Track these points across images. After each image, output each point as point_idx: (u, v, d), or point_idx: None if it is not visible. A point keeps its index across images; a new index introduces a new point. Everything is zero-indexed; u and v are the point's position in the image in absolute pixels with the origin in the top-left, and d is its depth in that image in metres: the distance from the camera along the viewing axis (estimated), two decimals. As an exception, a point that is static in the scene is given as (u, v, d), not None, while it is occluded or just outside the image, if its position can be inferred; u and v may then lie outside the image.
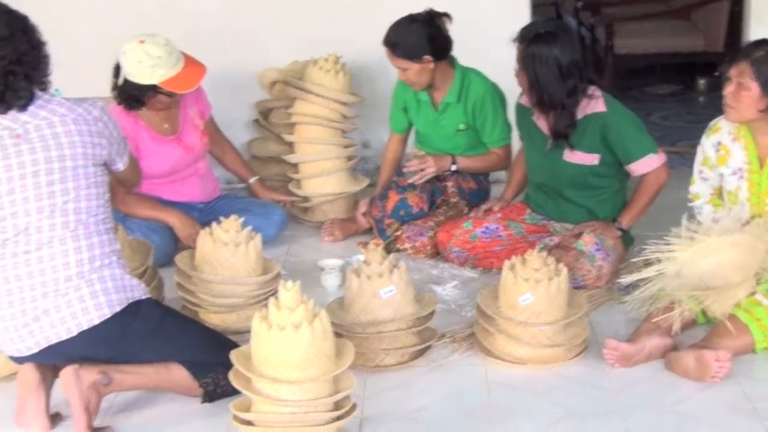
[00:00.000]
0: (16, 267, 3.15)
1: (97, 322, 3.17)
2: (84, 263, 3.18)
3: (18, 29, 3.15)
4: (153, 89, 4.41)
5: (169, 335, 3.31)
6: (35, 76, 3.19)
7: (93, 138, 3.24)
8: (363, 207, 4.93)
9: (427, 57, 4.54)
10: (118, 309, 3.20)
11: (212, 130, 4.92)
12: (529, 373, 3.56)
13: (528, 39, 4.09)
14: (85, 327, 3.17)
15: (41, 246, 3.15)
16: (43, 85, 3.24)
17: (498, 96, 4.75)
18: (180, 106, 4.68)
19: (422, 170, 4.73)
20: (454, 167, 4.79)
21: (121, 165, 3.47)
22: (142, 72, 4.35)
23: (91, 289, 3.17)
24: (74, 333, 3.17)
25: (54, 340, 3.17)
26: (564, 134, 4.16)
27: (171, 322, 3.35)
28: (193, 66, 4.47)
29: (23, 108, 3.17)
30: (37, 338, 3.16)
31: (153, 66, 4.33)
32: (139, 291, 3.30)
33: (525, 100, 4.34)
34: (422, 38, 4.52)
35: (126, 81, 4.40)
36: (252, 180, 5.05)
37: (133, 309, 3.25)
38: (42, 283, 3.15)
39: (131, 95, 4.45)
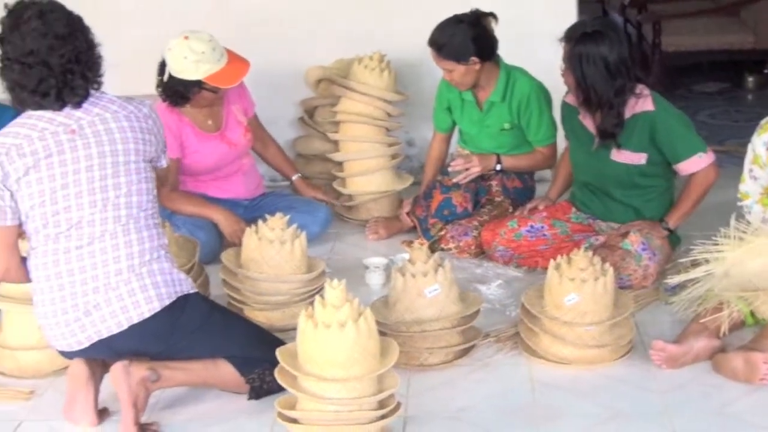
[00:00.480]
0: (68, 262, 3.18)
1: (147, 315, 3.20)
2: (134, 257, 3.22)
3: (77, 29, 3.19)
4: (198, 85, 4.44)
5: (217, 330, 3.33)
6: (91, 75, 3.23)
7: (144, 134, 3.29)
8: (406, 206, 4.92)
9: (474, 58, 4.52)
10: (167, 302, 3.23)
11: (256, 127, 4.94)
12: (574, 374, 3.55)
13: (575, 38, 4.07)
14: (135, 320, 3.19)
15: (93, 240, 3.18)
16: (97, 84, 3.27)
17: (543, 94, 4.72)
18: (224, 102, 4.71)
19: (467, 170, 4.72)
20: (498, 167, 4.77)
21: (164, 162, 3.50)
22: (186, 67, 4.38)
23: (141, 282, 3.20)
24: (125, 326, 3.19)
25: (105, 334, 3.20)
26: (611, 134, 4.13)
27: (218, 317, 3.37)
28: (236, 61, 4.49)
29: (77, 105, 3.21)
30: (89, 332, 3.19)
31: (197, 61, 4.36)
32: (187, 285, 3.32)
33: (571, 99, 4.31)
34: (468, 40, 4.50)
35: (171, 77, 4.43)
36: (295, 177, 5.05)
37: (182, 303, 3.27)
38: (93, 277, 3.18)
39: (176, 91, 4.47)
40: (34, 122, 3.19)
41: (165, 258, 3.31)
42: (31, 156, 3.14)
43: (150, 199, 3.31)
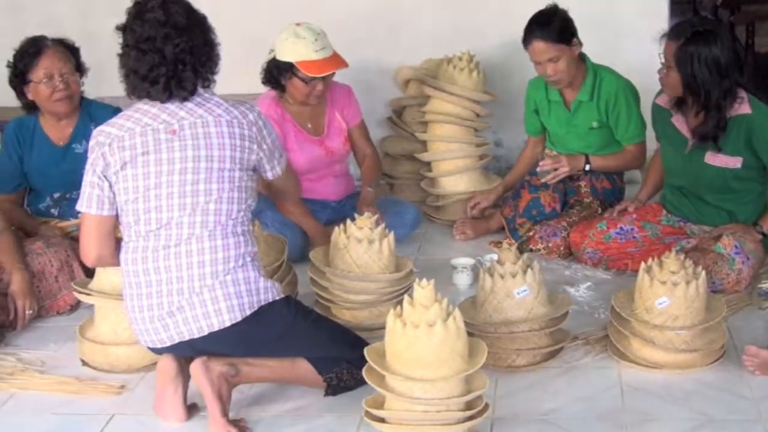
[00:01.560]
0: (156, 260, 3.21)
1: (227, 324, 3.20)
2: (218, 263, 3.20)
3: (195, 24, 3.23)
4: (290, 69, 4.49)
5: (299, 335, 3.32)
6: (202, 71, 3.25)
7: (244, 141, 3.26)
8: (479, 198, 4.91)
9: (576, 40, 4.53)
10: (248, 313, 3.21)
11: (358, 137, 4.92)
12: (664, 378, 3.49)
13: (685, 37, 3.98)
14: (215, 328, 3.20)
15: (180, 242, 3.20)
16: (207, 82, 3.29)
17: (631, 92, 4.68)
18: (327, 107, 4.74)
19: (555, 170, 4.68)
20: (587, 167, 4.73)
21: (270, 174, 3.43)
22: (284, 48, 4.47)
23: (224, 290, 3.19)
24: (205, 332, 3.21)
25: (186, 337, 3.23)
26: (713, 136, 4.05)
27: (301, 324, 3.33)
28: (336, 58, 4.53)
29: (183, 100, 3.24)
30: (171, 332, 3.22)
31: (295, 44, 4.44)
32: (272, 293, 3.29)
33: (662, 101, 4.25)
34: (566, 22, 4.53)
35: (271, 59, 4.53)
36: (366, 189, 4.94)
37: (265, 311, 3.25)
38: (178, 278, 3.20)
39: (271, 72, 4.57)
40: (140, 116, 3.24)
41: (251, 266, 3.27)
42: (130, 150, 3.20)
43: (242, 208, 3.27)
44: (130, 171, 3.20)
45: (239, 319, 3.20)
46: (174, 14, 3.18)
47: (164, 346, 3.27)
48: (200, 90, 3.27)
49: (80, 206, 3.29)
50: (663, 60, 4.07)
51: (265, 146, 3.34)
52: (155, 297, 3.21)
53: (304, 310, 3.43)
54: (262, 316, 3.24)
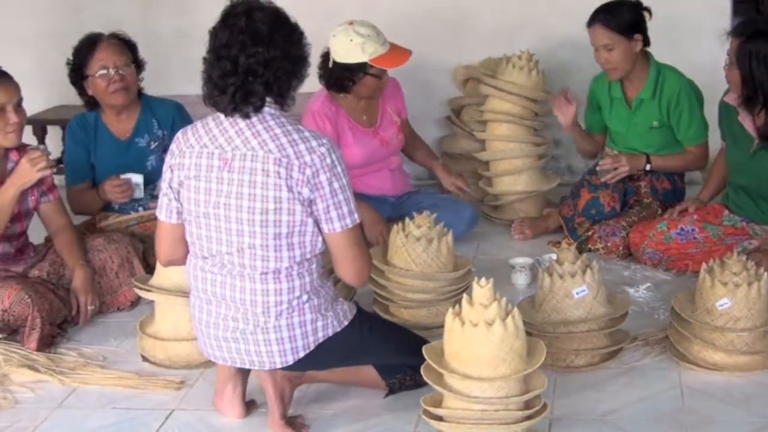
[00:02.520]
0: (213, 284, 3.14)
1: (279, 366, 3.16)
2: (270, 306, 3.07)
3: (279, 34, 3.00)
4: (362, 69, 4.50)
5: (365, 353, 3.30)
6: (275, 87, 3.01)
7: (291, 184, 2.97)
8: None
9: (637, 36, 4.50)
10: (302, 355, 3.14)
11: (406, 129, 4.97)
12: (725, 380, 3.46)
13: (747, 35, 3.95)
14: (267, 368, 3.17)
15: (234, 276, 3.09)
16: (282, 101, 3.06)
17: (694, 92, 4.64)
18: (380, 100, 4.76)
19: (615, 169, 4.65)
20: (648, 167, 4.69)
21: (325, 226, 3.06)
22: (352, 50, 4.46)
23: (277, 335, 3.09)
24: (256, 367, 3.19)
25: (239, 365, 3.22)
26: None
27: (367, 341, 3.27)
28: (398, 48, 4.55)
29: (246, 116, 3.02)
30: (225, 354, 3.19)
31: (363, 43, 4.45)
32: (332, 327, 3.17)
33: (730, 99, 4.21)
34: (637, 17, 4.50)
35: (336, 64, 4.51)
36: (436, 164, 5.04)
37: (327, 343, 3.17)
38: (235, 308, 3.11)
39: (340, 77, 4.55)
40: (203, 133, 3.09)
41: (308, 308, 3.10)
42: (186, 170, 3.09)
43: (293, 255, 3.05)
44: (185, 192, 3.10)
45: (291, 362, 3.14)
46: (256, 22, 2.97)
47: (218, 363, 3.27)
48: (270, 109, 3.04)
49: (157, 211, 3.24)
50: (728, 56, 4.04)
51: (322, 192, 3.01)
52: (214, 316, 3.16)
53: (369, 323, 3.33)
54: (323, 348, 3.17)
